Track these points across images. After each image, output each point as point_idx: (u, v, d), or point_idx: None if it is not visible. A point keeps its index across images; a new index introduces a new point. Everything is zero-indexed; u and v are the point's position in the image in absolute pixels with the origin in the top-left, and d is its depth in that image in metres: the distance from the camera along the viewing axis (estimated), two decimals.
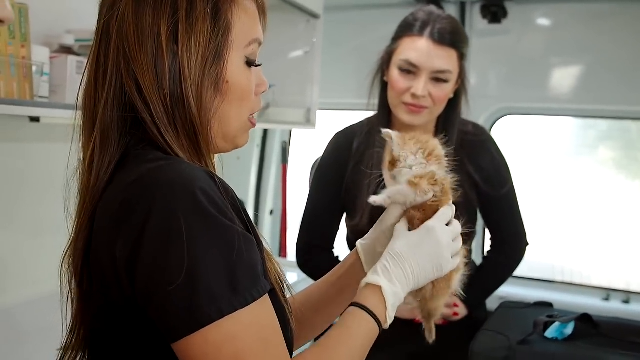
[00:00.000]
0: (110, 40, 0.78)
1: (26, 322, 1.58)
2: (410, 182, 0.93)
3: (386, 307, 0.85)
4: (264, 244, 0.81)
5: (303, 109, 2.55)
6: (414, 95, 1.48)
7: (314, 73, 2.53)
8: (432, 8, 1.55)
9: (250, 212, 3.11)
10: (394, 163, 0.97)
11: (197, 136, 0.79)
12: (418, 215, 0.94)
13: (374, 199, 0.97)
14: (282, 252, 3.14)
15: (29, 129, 1.63)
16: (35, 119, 1.47)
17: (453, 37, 1.49)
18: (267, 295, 0.72)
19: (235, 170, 3.02)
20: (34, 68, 1.37)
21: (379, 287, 0.85)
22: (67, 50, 1.50)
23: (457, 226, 0.95)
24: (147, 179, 0.70)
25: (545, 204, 2.85)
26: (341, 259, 1.65)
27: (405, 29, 1.53)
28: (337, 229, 1.70)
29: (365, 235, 1.02)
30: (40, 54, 1.41)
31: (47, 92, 1.44)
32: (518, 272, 2.71)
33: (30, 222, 1.70)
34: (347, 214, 1.66)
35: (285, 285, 0.85)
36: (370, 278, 0.87)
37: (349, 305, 0.85)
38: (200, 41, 0.77)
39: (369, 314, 0.83)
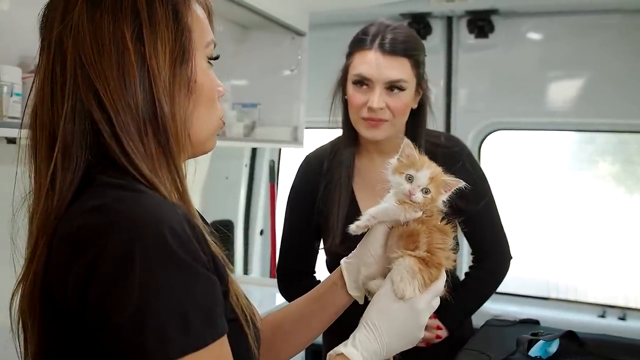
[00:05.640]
0: (66, 52, 0.75)
1: None
2: (400, 201, 0.94)
3: None
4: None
5: (290, 128, 2.54)
6: (370, 109, 1.46)
7: (301, 91, 2.53)
8: (383, 19, 1.52)
9: (240, 232, 3.07)
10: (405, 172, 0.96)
11: (169, 141, 0.76)
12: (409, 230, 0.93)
13: (356, 225, 0.96)
14: (273, 273, 3.10)
15: (6, 150, 1.61)
16: (12, 141, 1.45)
17: (404, 46, 1.46)
18: (224, 338, 0.68)
19: (224, 190, 2.99)
20: (4, 88, 1.37)
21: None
22: None
23: (437, 302, 0.95)
24: (110, 209, 0.67)
25: (542, 220, 2.81)
26: None
27: (357, 44, 1.51)
28: (316, 252, 1.66)
29: (350, 254, 1.00)
30: (11, 74, 1.40)
31: (19, 112, 1.43)
32: (511, 289, 2.69)
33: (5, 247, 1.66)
34: (322, 237, 1.62)
35: (250, 317, 0.82)
36: (345, 350, 0.88)
37: None
38: (166, 42, 0.76)
39: None
